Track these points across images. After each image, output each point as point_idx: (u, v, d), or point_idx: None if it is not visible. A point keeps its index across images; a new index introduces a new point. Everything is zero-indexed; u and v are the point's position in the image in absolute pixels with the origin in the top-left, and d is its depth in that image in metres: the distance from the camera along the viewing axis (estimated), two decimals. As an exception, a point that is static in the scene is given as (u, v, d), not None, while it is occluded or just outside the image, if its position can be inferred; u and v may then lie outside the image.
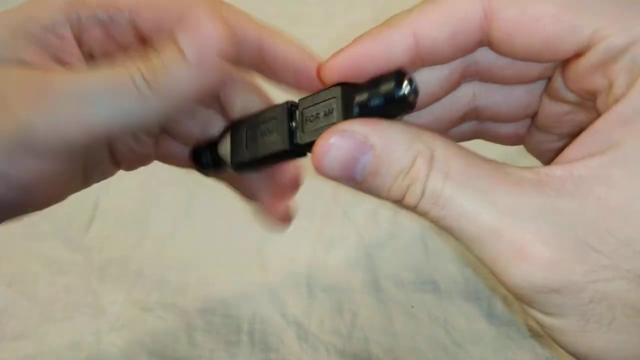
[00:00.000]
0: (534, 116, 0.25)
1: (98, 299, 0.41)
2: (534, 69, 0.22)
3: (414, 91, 0.19)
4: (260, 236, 0.45)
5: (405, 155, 0.19)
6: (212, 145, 0.26)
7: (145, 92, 0.20)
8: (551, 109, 0.24)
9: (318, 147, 0.19)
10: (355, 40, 0.21)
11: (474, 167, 0.18)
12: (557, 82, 0.22)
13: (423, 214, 0.19)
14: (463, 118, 0.25)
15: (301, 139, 0.22)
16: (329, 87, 0.21)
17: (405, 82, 0.19)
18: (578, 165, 0.18)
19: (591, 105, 0.21)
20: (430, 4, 0.20)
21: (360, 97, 0.20)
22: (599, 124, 0.18)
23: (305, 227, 0.44)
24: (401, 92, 0.19)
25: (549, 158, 0.25)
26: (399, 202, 0.19)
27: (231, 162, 0.25)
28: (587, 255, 0.17)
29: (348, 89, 0.21)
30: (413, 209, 0.19)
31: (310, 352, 0.38)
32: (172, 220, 0.45)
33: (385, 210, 0.45)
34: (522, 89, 0.24)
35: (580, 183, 0.17)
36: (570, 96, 0.22)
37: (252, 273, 0.43)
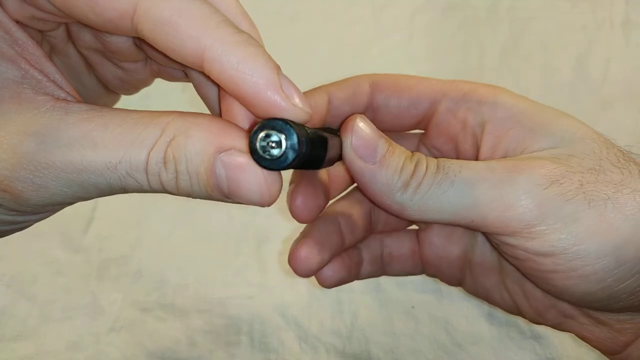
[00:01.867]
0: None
1: (97, 299, 0.41)
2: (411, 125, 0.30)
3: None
4: (259, 237, 0.45)
5: (403, 150, 0.24)
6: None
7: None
8: None
9: (348, 127, 0.24)
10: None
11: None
12: (425, 152, 0.30)
13: (426, 190, 0.23)
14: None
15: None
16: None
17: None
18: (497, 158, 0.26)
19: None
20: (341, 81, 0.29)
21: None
22: (488, 143, 0.27)
23: (305, 226, 0.44)
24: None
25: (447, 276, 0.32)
26: (407, 184, 0.23)
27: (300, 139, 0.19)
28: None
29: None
30: (418, 187, 0.23)
31: (310, 352, 0.38)
32: (171, 221, 0.45)
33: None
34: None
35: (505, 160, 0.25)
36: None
37: (251, 274, 0.43)
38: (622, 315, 0.25)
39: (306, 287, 0.42)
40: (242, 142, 0.19)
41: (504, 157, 0.26)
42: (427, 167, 0.24)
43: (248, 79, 0.18)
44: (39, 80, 0.20)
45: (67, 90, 0.20)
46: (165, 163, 0.18)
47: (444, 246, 0.30)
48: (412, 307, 0.40)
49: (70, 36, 0.24)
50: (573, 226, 0.22)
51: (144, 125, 0.19)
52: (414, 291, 0.41)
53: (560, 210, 0.22)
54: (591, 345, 0.27)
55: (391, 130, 0.29)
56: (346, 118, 0.25)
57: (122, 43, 0.24)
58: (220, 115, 0.23)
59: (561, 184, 0.22)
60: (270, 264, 0.43)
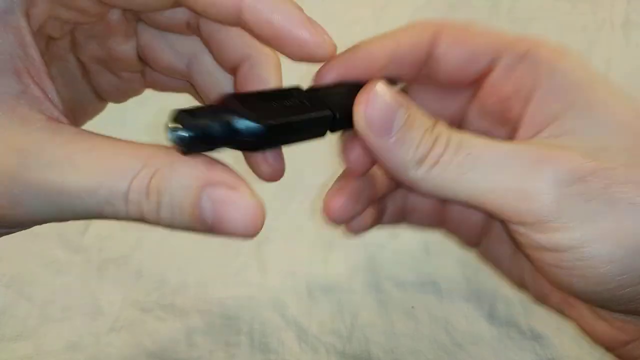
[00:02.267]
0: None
1: (97, 299, 0.41)
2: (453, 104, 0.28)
3: None
4: (259, 236, 0.45)
5: (427, 117, 0.23)
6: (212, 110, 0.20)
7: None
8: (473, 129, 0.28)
9: (363, 97, 0.22)
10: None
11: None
12: (472, 114, 0.28)
13: (443, 169, 0.22)
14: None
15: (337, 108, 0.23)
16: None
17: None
18: (540, 136, 0.24)
19: (499, 133, 0.26)
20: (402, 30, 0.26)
21: None
22: (533, 111, 0.24)
23: (304, 226, 0.44)
24: None
25: (468, 236, 0.31)
26: (423, 161, 0.22)
27: (260, 123, 0.20)
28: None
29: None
30: (435, 166, 0.22)
31: (310, 353, 0.38)
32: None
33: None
34: (454, 103, 0.29)
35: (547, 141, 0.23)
36: (483, 124, 0.27)
37: (251, 273, 0.43)
38: (623, 315, 0.25)
39: (306, 287, 0.41)
40: (229, 176, 0.19)
41: (539, 131, 0.24)
42: (446, 145, 0.22)
43: (286, 23, 0.21)
44: (37, 97, 0.20)
45: (61, 110, 0.20)
46: (147, 194, 0.19)
47: (466, 209, 0.30)
48: (412, 307, 0.40)
49: (73, 45, 0.25)
50: (588, 227, 0.21)
51: (129, 154, 0.19)
52: (414, 291, 0.41)
53: (578, 209, 0.21)
54: (590, 338, 0.27)
55: (445, 85, 0.27)
56: (363, 84, 0.23)
57: (127, 52, 0.25)
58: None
59: (587, 182, 0.21)
60: (270, 264, 0.43)
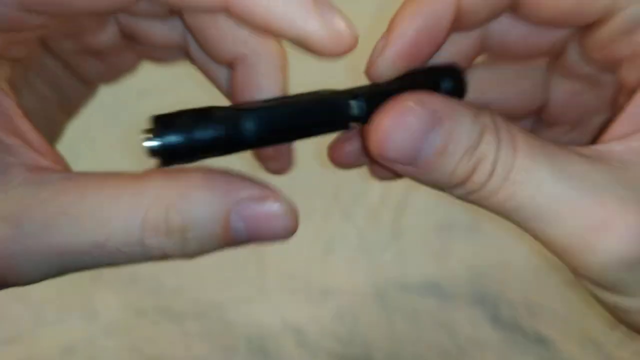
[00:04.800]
0: (539, 113, 0.25)
1: (92, 302, 0.40)
2: (546, 41, 0.22)
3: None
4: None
5: (473, 129, 0.17)
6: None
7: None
8: (561, 91, 0.23)
9: (382, 121, 0.17)
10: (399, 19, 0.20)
11: (537, 141, 0.17)
12: (572, 55, 0.22)
13: (487, 196, 0.18)
14: (475, 53, 0.24)
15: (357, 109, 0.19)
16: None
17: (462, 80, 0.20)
18: (633, 138, 0.18)
19: (606, 81, 0.21)
20: None
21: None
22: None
23: (304, 227, 0.44)
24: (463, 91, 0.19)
25: None
26: (460, 185, 0.18)
27: (257, 117, 0.18)
28: None
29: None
30: (476, 192, 0.18)
31: (310, 357, 0.38)
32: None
33: (387, 210, 0.44)
34: (528, 82, 0.23)
35: None
36: (587, 70, 0.22)
37: (249, 276, 0.42)
38: None
39: (305, 290, 0.41)
40: (251, 187, 0.17)
41: (637, 131, 0.18)
42: (491, 172, 0.17)
43: (287, 10, 0.16)
44: (10, 146, 0.17)
45: (41, 149, 0.18)
46: (167, 233, 0.17)
47: None
48: (414, 310, 0.40)
49: (45, 48, 0.23)
50: None
51: (130, 193, 0.17)
52: (416, 294, 0.41)
53: None
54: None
55: (532, 36, 0.22)
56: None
57: (107, 41, 0.22)
58: (233, 95, 0.21)
59: None
60: (268, 267, 0.43)
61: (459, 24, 0.20)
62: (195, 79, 0.25)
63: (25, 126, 0.18)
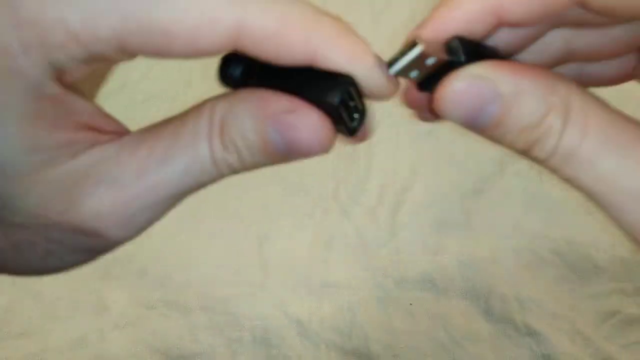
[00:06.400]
0: None
1: (102, 297, 0.41)
2: (634, 35, 0.20)
3: None
4: (260, 235, 0.45)
5: (537, 109, 0.17)
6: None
7: None
8: None
9: (443, 90, 0.18)
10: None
11: (615, 124, 0.17)
12: None
13: (552, 170, 0.17)
14: (557, 62, 0.22)
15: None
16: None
17: None
18: None
19: None
20: None
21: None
22: None
23: (305, 224, 0.45)
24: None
25: None
26: (523, 153, 0.18)
27: None
28: None
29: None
30: (541, 163, 0.17)
31: (311, 349, 0.39)
32: (176, 220, 0.45)
33: (384, 208, 0.45)
34: (622, 27, 0.22)
35: None
36: None
37: (253, 271, 0.43)
38: None
39: (306, 285, 0.42)
40: (282, 100, 0.18)
41: None
42: (552, 154, 0.17)
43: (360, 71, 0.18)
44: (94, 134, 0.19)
45: (112, 127, 0.20)
46: (225, 148, 0.18)
47: None
48: (410, 304, 0.41)
49: None
50: None
51: (191, 122, 0.18)
52: (412, 289, 0.41)
53: None
54: None
55: (612, 33, 0.20)
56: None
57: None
58: None
59: None
60: (271, 262, 0.43)
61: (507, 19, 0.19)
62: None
63: (93, 108, 0.19)
